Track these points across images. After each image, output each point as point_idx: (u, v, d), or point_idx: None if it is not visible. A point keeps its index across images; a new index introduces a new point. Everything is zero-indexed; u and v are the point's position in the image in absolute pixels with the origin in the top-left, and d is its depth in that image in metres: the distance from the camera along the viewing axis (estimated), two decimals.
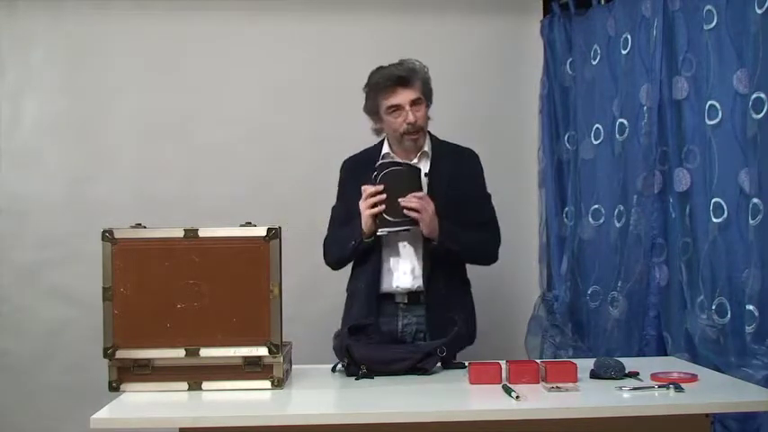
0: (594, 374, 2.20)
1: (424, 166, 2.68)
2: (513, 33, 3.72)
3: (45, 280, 3.50)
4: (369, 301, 2.64)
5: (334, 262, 2.72)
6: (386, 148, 2.73)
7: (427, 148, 2.71)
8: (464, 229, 2.62)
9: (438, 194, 2.60)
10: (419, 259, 2.63)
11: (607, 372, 2.19)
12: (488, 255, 2.75)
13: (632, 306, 2.95)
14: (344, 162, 2.82)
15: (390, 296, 2.66)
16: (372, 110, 2.69)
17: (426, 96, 2.69)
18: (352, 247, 2.59)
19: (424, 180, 2.64)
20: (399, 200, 2.50)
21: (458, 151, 2.77)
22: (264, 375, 2.14)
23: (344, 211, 2.69)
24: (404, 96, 2.62)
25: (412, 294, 2.64)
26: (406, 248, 2.66)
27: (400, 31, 3.63)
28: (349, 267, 2.75)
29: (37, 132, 3.53)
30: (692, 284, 2.65)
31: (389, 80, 2.62)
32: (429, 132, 2.74)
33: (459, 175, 2.70)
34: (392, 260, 2.65)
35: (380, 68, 2.69)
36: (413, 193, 2.51)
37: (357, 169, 2.72)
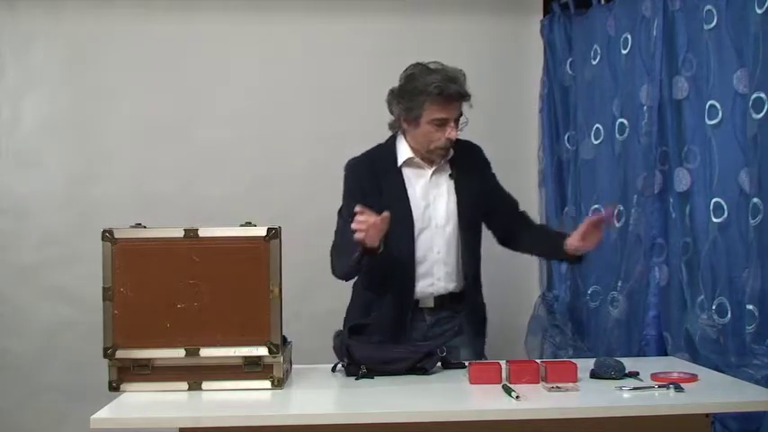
0: (594, 374, 2.20)
1: (445, 168, 2.59)
2: (513, 33, 3.72)
3: (45, 280, 3.50)
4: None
5: (340, 276, 2.52)
6: (407, 152, 2.56)
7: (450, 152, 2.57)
8: (513, 214, 2.69)
9: (468, 190, 2.56)
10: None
11: (607, 372, 2.19)
12: None
13: (632, 306, 2.95)
14: (350, 163, 2.62)
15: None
16: (412, 113, 2.48)
17: None
18: (354, 262, 2.35)
19: (450, 183, 2.57)
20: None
21: (465, 145, 2.64)
22: (264, 375, 2.14)
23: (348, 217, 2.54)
24: (453, 111, 2.47)
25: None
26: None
27: (400, 31, 3.63)
28: None
29: (37, 132, 3.53)
30: (692, 284, 2.65)
31: (450, 95, 2.44)
32: None
33: (475, 167, 2.63)
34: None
35: (431, 71, 2.48)
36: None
37: (365, 170, 2.57)
